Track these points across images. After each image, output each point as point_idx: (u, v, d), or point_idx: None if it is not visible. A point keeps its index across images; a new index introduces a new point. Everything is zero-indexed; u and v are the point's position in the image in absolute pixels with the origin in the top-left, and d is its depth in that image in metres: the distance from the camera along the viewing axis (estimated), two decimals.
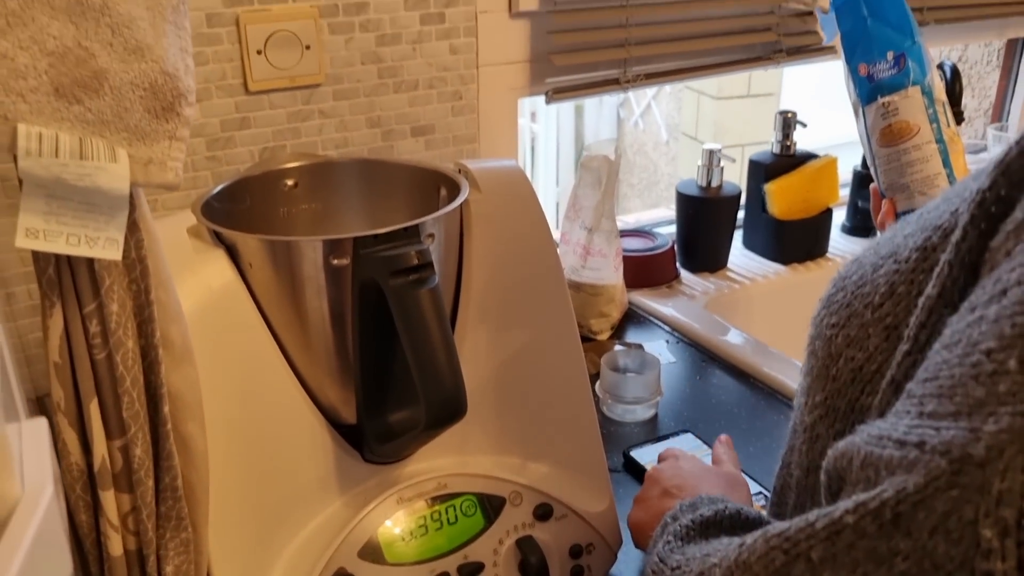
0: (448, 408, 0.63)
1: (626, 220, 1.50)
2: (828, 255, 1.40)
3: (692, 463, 0.73)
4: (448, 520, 0.71)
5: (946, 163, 0.82)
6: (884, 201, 0.86)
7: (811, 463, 0.48)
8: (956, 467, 0.31)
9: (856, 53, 0.84)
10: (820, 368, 0.46)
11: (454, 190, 0.75)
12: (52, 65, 0.42)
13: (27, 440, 0.32)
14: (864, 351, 0.42)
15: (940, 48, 1.95)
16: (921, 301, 0.38)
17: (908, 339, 0.38)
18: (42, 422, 0.34)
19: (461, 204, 0.71)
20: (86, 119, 0.44)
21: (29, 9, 0.41)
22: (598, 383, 1.02)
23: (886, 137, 0.83)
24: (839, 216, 1.47)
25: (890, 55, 0.82)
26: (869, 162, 0.87)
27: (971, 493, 0.30)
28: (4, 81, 0.41)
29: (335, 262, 0.65)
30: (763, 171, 1.33)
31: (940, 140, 0.81)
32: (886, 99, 0.82)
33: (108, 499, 0.55)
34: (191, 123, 0.48)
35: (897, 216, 0.84)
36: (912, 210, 0.80)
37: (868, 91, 0.84)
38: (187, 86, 0.47)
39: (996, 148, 1.66)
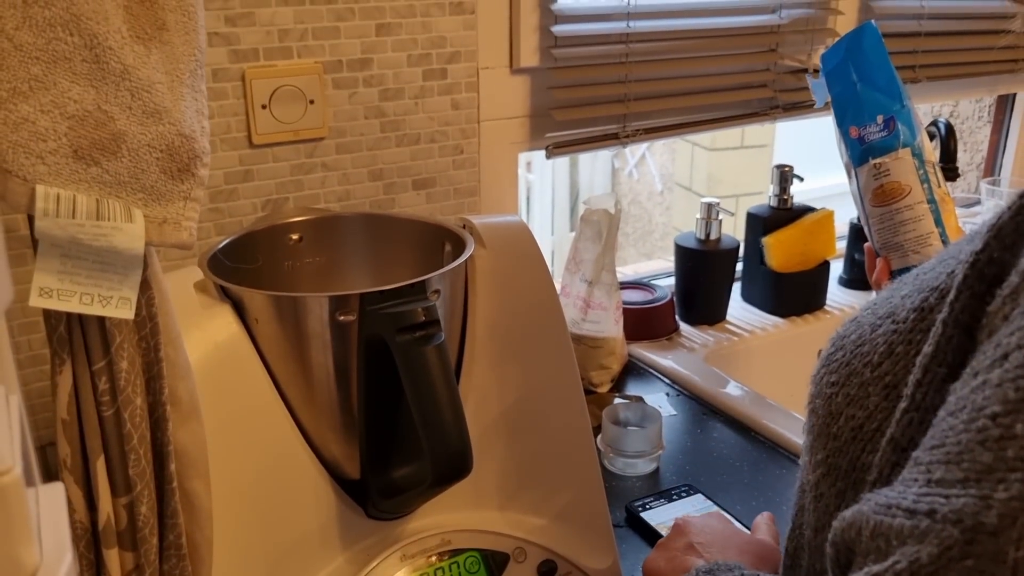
0: (454, 465, 0.63)
1: (624, 272, 1.50)
2: (826, 308, 1.41)
3: (724, 524, 0.72)
4: None
5: (938, 222, 0.83)
6: (879, 260, 0.87)
7: (818, 522, 0.48)
8: (969, 536, 0.31)
9: (847, 116, 0.86)
10: (821, 426, 0.46)
11: (458, 245, 0.75)
12: (72, 128, 0.43)
13: (44, 505, 0.32)
14: (864, 410, 0.42)
15: (932, 104, 1.98)
16: (918, 360, 0.39)
17: (906, 397, 0.39)
18: (58, 487, 0.34)
19: (466, 260, 0.72)
20: (103, 180, 0.44)
21: (51, 74, 0.42)
22: (599, 436, 1.02)
23: (878, 197, 0.84)
24: (836, 269, 1.48)
25: (880, 118, 0.84)
26: (863, 221, 0.88)
27: (986, 563, 0.30)
28: (25, 144, 0.42)
29: (341, 318, 0.65)
30: (761, 224, 1.34)
31: (932, 200, 0.83)
32: (878, 160, 0.83)
33: (112, 558, 0.55)
34: (205, 183, 0.48)
35: (892, 274, 0.85)
36: (907, 268, 0.81)
37: (860, 153, 0.86)
38: (203, 147, 0.48)
39: (989, 202, 1.68)
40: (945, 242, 0.83)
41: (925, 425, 0.37)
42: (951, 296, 0.37)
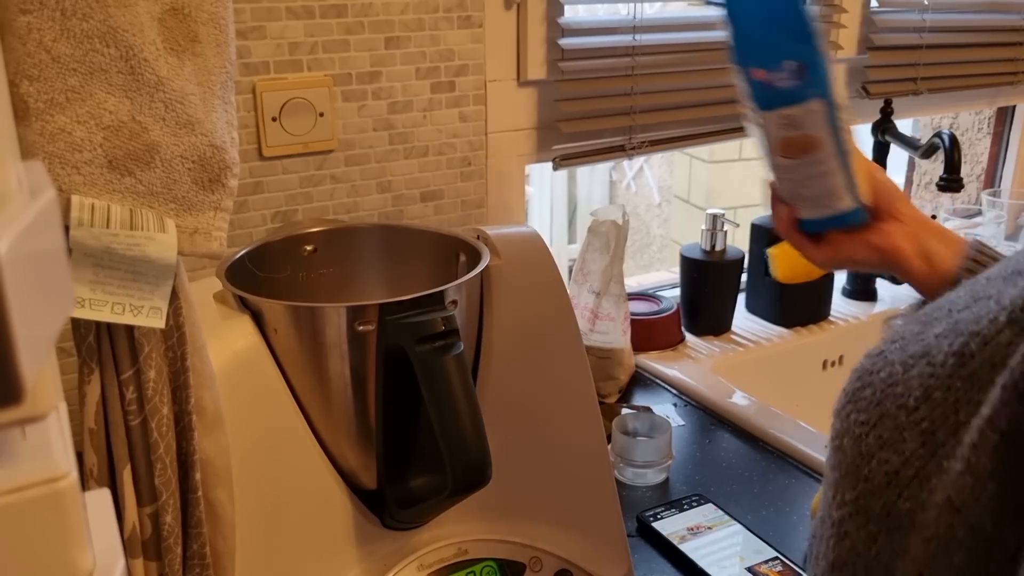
0: (474, 474, 0.64)
1: (628, 283, 1.51)
2: (830, 318, 1.42)
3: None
4: None
5: (846, 170, 0.76)
6: (784, 207, 0.80)
7: (838, 559, 0.47)
8: None
9: (750, 56, 0.75)
10: (850, 466, 0.44)
11: (473, 256, 0.76)
12: (107, 139, 0.43)
13: (92, 511, 0.32)
14: (900, 455, 0.41)
15: (932, 116, 2.00)
16: (975, 423, 0.37)
17: (961, 459, 0.37)
18: (105, 493, 0.34)
19: (482, 270, 0.72)
20: (137, 191, 0.45)
21: (88, 85, 0.42)
22: (609, 447, 1.02)
23: (786, 149, 0.76)
24: (840, 279, 1.49)
25: (790, 64, 0.74)
26: (768, 166, 0.80)
27: None
28: (61, 154, 0.42)
29: (360, 328, 0.66)
30: (766, 235, 1.35)
31: (843, 151, 0.75)
32: (787, 111, 0.75)
33: (136, 567, 0.55)
34: (235, 194, 0.49)
35: (800, 224, 0.79)
36: (815, 221, 0.77)
37: (765, 97, 0.76)
38: (232, 158, 0.48)
39: (990, 213, 1.70)
40: (855, 195, 0.75)
41: (979, 487, 0.36)
42: (1015, 361, 0.36)
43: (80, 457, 0.80)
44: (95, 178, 0.44)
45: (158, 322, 0.48)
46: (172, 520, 0.55)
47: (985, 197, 1.72)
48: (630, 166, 3.86)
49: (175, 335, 0.52)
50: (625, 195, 3.96)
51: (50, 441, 0.29)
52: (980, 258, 0.70)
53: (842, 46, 1.41)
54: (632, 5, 1.20)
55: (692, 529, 0.91)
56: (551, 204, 3.38)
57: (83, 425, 0.51)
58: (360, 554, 0.70)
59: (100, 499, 0.33)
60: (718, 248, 1.31)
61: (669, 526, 0.91)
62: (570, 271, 1.26)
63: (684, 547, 0.87)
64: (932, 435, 0.39)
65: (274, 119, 1.03)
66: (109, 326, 0.50)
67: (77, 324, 0.49)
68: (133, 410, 0.52)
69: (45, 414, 0.26)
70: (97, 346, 0.50)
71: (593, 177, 3.87)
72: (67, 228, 0.44)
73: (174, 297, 0.51)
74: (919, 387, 0.40)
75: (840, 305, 1.46)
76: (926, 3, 1.47)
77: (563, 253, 2.71)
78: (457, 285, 0.69)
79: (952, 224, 1.68)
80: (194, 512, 0.56)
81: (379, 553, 0.71)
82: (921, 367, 0.41)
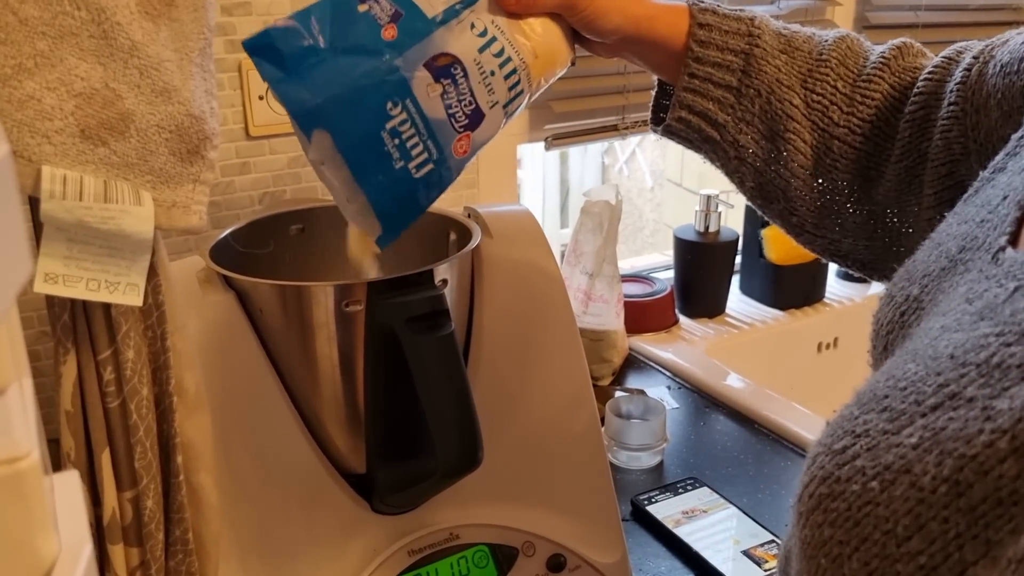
0: (465, 458, 0.62)
1: (621, 266, 1.49)
2: (825, 300, 1.40)
3: None
4: (460, 572, 0.69)
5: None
6: None
7: None
8: None
9: None
10: None
11: (463, 235, 0.74)
12: (79, 107, 0.41)
13: (60, 494, 0.31)
14: None
15: None
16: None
17: None
18: (74, 475, 0.33)
19: (472, 249, 0.71)
20: (111, 161, 0.43)
21: (58, 50, 0.40)
22: (603, 429, 1.01)
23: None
24: None
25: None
26: None
27: None
28: (30, 123, 0.40)
29: (348, 308, 0.64)
30: (760, 217, 1.33)
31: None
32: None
33: (117, 553, 0.53)
34: (215, 166, 0.47)
35: None
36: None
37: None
38: (212, 129, 0.46)
39: None
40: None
41: None
42: None
43: (47, 446, 0.78)
44: (67, 148, 0.42)
45: (135, 299, 0.46)
46: (153, 505, 0.53)
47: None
48: (622, 149, 3.84)
49: (155, 314, 0.50)
50: (618, 179, 3.94)
51: (11, 419, 0.27)
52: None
53: (837, 24, 1.39)
54: None
55: (687, 513, 0.89)
56: (543, 188, 3.36)
57: (59, 407, 0.50)
58: (349, 539, 0.69)
59: (68, 481, 0.32)
60: (712, 229, 1.30)
61: (664, 510, 0.89)
62: (563, 255, 1.24)
63: (679, 531, 0.86)
64: (934, 571, 0.35)
65: (261, 98, 1.00)
66: (85, 304, 0.48)
67: (52, 302, 0.48)
68: (111, 392, 0.50)
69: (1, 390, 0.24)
70: (72, 325, 0.48)
71: (585, 161, 3.85)
72: (34, 201, 0.42)
73: (153, 274, 0.49)
74: (907, 513, 0.36)
75: (835, 287, 1.45)
76: None
77: (556, 237, 2.70)
78: (447, 264, 0.67)
79: None
80: (176, 497, 0.54)
81: (368, 538, 0.69)
82: (904, 488, 0.36)
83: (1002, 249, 0.43)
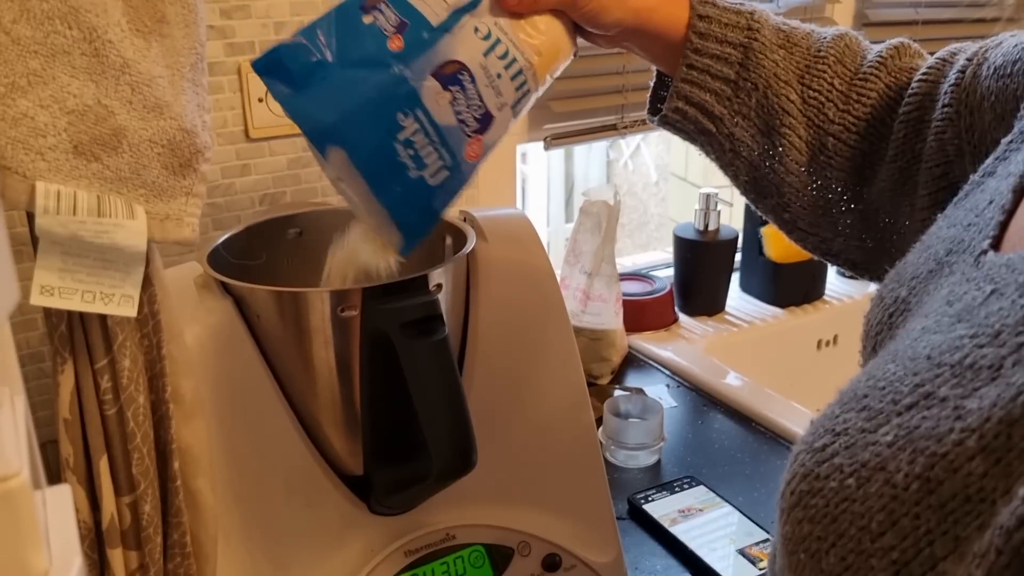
0: (458, 461, 0.63)
1: (622, 263, 1.50)
2: (825, 298, 1.41)
3: None
4: (457, 572, 0.70)
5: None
6: None
7: None
8: None
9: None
10: None
11: (459, 239, 0.75)
12: (72, 123, 0.42)
13: (51, 507, 0.31)
14: None
15: None
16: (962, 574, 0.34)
17: None
18: (65, 489, 0.34)
19: (468, 253, 0.71)
20: (104, 176, 0.44)
21: (51, 68, 0.41)
22: (600, 429, 1.01)
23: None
24: None
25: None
26: None
27: None
28: (24, 140, 0.41)
29: (344, 313, 0.65)
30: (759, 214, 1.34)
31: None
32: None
33: (116, 557, 0.54)
34: (208, 179, 0.48)
35: None
36: None
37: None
38: (204, 142, 0.47)
39: None
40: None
41: None
42: (1006, 519, 0.32)
43: (45, 447, 0.80)
44: (60, 164, 0.42)
45: (130, 310, 0.47)
46: (151, 510, 0.54)
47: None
48: (627, 144, 3.83)
49: (151, 323, 0.51)
50: (622, 174, 3.94)
51: (1, 438, 0.28)
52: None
53: (837, 21, 1.39)
54: None
55: (683, 511, 0.90)
56: (548, 184, 3.36)
57: (57, 415, 0.50)
58: (346, 540, 0.70)
59: (59, 495, 0.33)
60: (711, 228, 1.30)
61: (660, 508, 0.90)
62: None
63: (675, 530, 0.87)
64: (905, 566, 0.36)
65: (260, 100, 1.01)
66: (82, 315, 0.49)
67: (49, 313, 0.49)
68: (108, 399, 0.51)
69: None
70: (69, 335, 0.49)
71: (591, 156, 3.85)
72: (31, 216, 0.43)
73: (148, 284, 0.50)
74: (881, 510, 0.37)
75: (835, 284, 1.45)
76: None
77: (560, 232, 2.69)
78: (442, 269, 0.68)
79: None
80: (173, 501, 0.55)
81: (366, 538, 0.70)
82: (879, 485, 0.37)
83: (984, 252, 0.44)
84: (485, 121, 0.59)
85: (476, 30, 0.59)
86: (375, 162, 0.55)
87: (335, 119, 0.54)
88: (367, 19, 0.57)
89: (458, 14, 0.58)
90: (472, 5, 0.59)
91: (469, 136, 0.58)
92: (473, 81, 0.58)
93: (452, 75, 0.57)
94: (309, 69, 0.55)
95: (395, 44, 0.56)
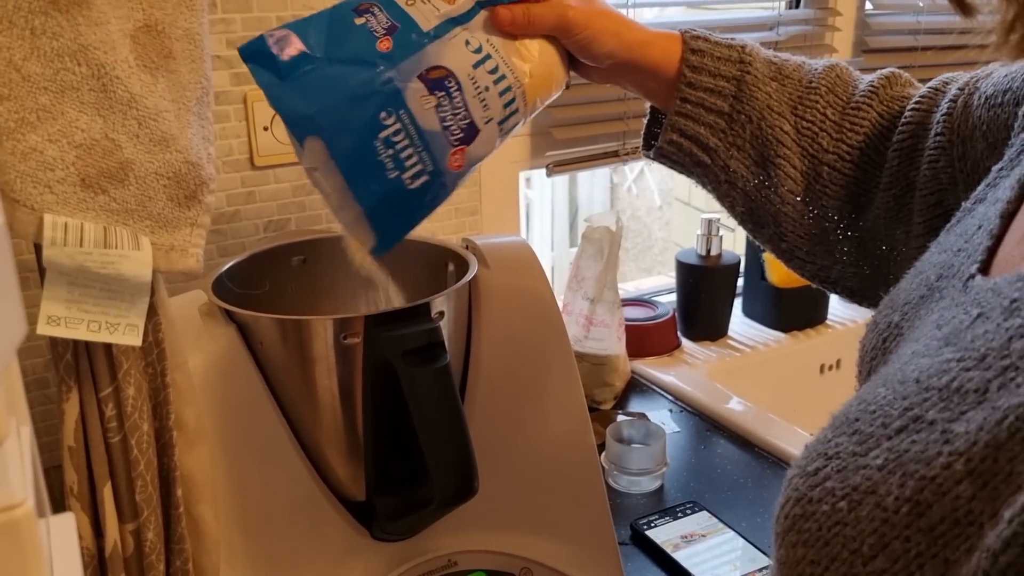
0: (460, 487, 0.63)
1: (625, 288, 1.50)
2: (827, 322, 1.41)
3: None
4: None
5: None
6: None
7: None
8: None
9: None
10: None
11: (461, 266, 0.76)
12: (80, 157, 0.43)
13: (55, 536, 0.32)
14: None
15: None
16: None
17: None
18: (69, 517, 0.34)
19: (470, 280, 0.72)
20: (111, 208, 0.45)
21: (60, 104, 0.42)
22: (603, 454, 1.01)
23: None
24: None
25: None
26: None
27: None
28: (33, 173, 0.42)
29: (346, 341, 0.65)
30: None
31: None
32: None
33: None
34: (212, 210, 0.49)
35: None
36: None
37: None
38: (209, 174, 0.48)
39: None
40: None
41: None
42: (993, 541, 0.32)
43: (48, 473, 0.80)
44: (68, 197, 0.43)
45: (135, 340, 0.48)
46: (154, 537, 0.54)
47: None
48: (631, 169, 3.85)
49: (155, 351, 0.52)
50: (626, 198, 3.96)
51: (8, 468, 0.28)
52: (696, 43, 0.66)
53: (837, 49, 1.41)
54: (628, 10, 1.20)
55: (686, 537, 0.90)
56: (552, 208, 3.37)
57: (62, 443, 0.51)
58: (349, 566, 0.70)
59: (63, 524, 0.33)
60: (714, 253, 1.31)
61: (663, 534, 0.90)
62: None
63: (677, 555, 0.87)
64: None
65: (265, 128, 1.02)
66: (87, 343, 0.50)
67: (55, 342, 0.49)
68: (113, 427, 0.51)
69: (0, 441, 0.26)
70: (75, 364, 0.50)
71: (594, 181, 3.86)
72: (39, 247, 0.44)
73: (153, 313, 0.51)
74: (872, 533, 0.37)
75: (837, 309, 1.45)
76: (921, 5, 1.47)
77: (564, 257, 2.69)
78: (444, 296, 0.69)
79: None
80: (177, 528, 0.55)
81: (368, 564, 0.71)
82: (870, 508, 0.38)
83: (972, 277, 0.45)
84: (470, 132, 0.59)
85: (467, 43, 0.60)
86: (353, 156, 0.55)
87: (316, 109, 0.54)
88: (359, 20, 0.58)
89: (450, 24, 0.59)
90: (465, 18, 0.60)
91: (453, 145, 0.59)
92: (460, 89, 0.58)
93: (439, 80, 0.58)
94: (295, 60, 0.55)
95: (384, 45, 0.57)
